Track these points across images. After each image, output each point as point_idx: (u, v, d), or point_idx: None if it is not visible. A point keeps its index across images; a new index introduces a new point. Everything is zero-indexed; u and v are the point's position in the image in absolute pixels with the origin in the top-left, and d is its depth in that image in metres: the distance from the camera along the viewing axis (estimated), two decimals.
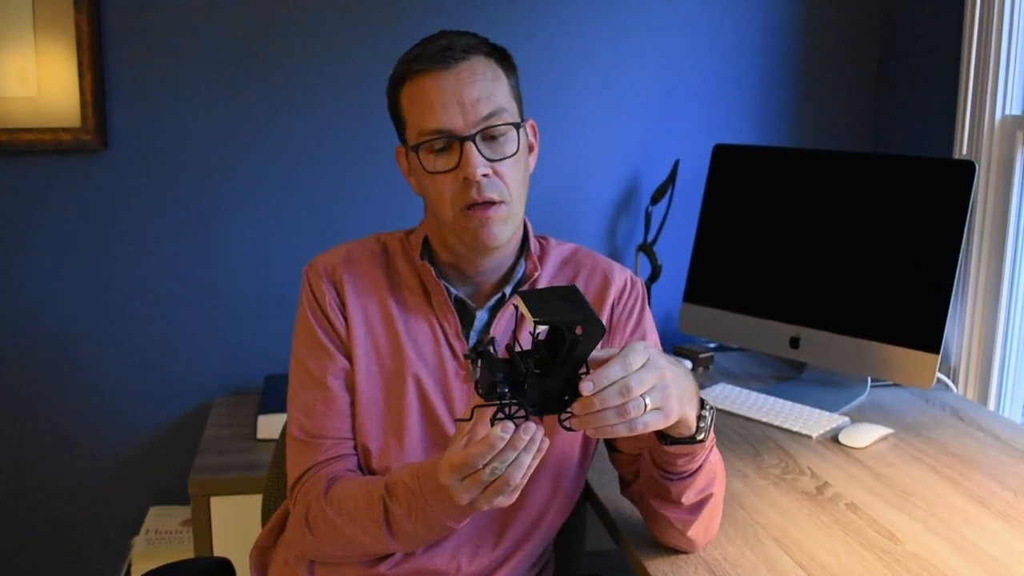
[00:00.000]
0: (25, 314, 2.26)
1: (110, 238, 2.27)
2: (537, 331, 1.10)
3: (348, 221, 2.33)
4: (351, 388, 1.41)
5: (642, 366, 1.13)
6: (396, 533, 1.30)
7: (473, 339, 1.42)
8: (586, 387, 1.10)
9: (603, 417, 1.11)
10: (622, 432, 1.13)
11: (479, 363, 1.14)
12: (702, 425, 1.25)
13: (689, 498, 1.32)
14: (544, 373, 1.13)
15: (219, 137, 2.27)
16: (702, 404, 1.26)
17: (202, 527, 1.95)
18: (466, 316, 1.43)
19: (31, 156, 2.20)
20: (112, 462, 2.35)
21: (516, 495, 1.17)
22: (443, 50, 1.33)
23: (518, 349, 1.15)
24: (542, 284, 1.45)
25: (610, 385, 1.10)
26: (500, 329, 1.42)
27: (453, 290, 1.42)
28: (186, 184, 2.27)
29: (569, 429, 1.14)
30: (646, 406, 1.13)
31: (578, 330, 1.09)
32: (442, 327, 1.42)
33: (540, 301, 1.10)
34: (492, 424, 1.12)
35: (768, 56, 2.46)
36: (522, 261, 1.45)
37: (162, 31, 2.21)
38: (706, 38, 2.43)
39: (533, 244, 1.47)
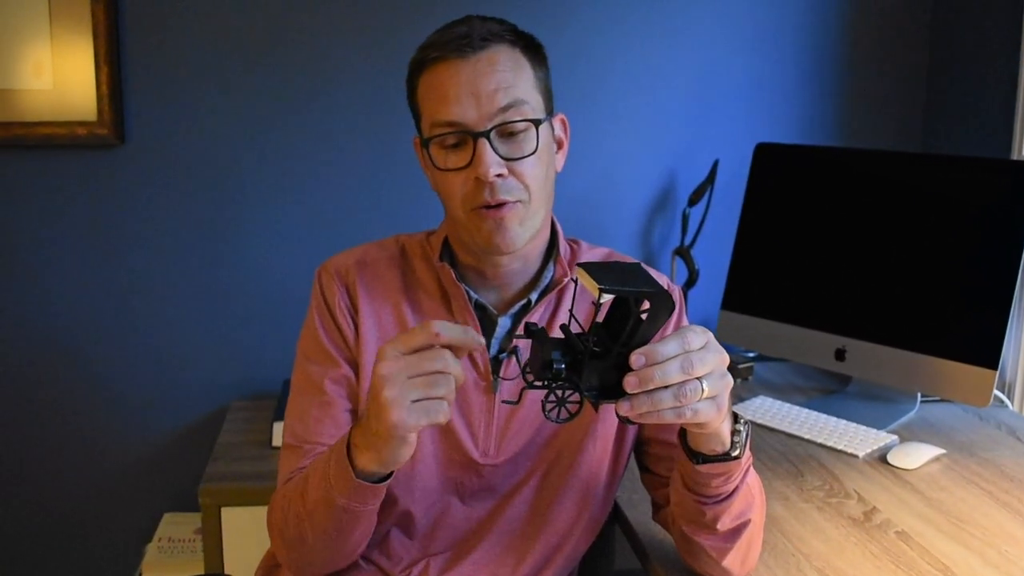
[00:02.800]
0: (38, 312, 2.21)
1: (125, 235, 2.20)
2: (602, 300, 0.98)
3: (370, 221, 2.25)
4: (353, 397, 1.32)
5: (703, 347, 1.02)
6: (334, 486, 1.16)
7: (495, 348, 1.32)
8: (637, 360, 0.99)
9: (658, 397, 1.00)
10: (668, 418, 1.02)
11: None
12: (736, 440, 1.14)
13: (725, 524, 1.21)
14: (604, 353, 1.01)
15: (238, 133, 2.20)
16: (735, 418, 1.15)
17: (212, 539, 1.88)
18: (487, 323, 1.33)
19: (46, 150, 2.14)
20: (127, 466, 2.29)
21: (444, 415, 1.04)
22: (461, 37, 1.22)
23: (575, 330, 1.03)
24: (570, 291, 1.34)
25: (670, 360, 0.99)
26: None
27: (473, 295, 1.32)
28: (204, 181, 2.20)
29: (625, 421, 1.03)
30: (703, 391, 1.01)
31: (645, 305, 0.98)
32: None
33: (606, 272, 0.99)
34: (544, 410, 1.02)
35: (812, 50, 2.34)
36: (550, 265, 1.34)
37: (180, 24, 2.14)
38: (747, 31, 2.31)
39: (563, 247, 1.37)
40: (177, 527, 2.20)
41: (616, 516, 1.55)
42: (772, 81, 2.34)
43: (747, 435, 1.16)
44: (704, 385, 1.02)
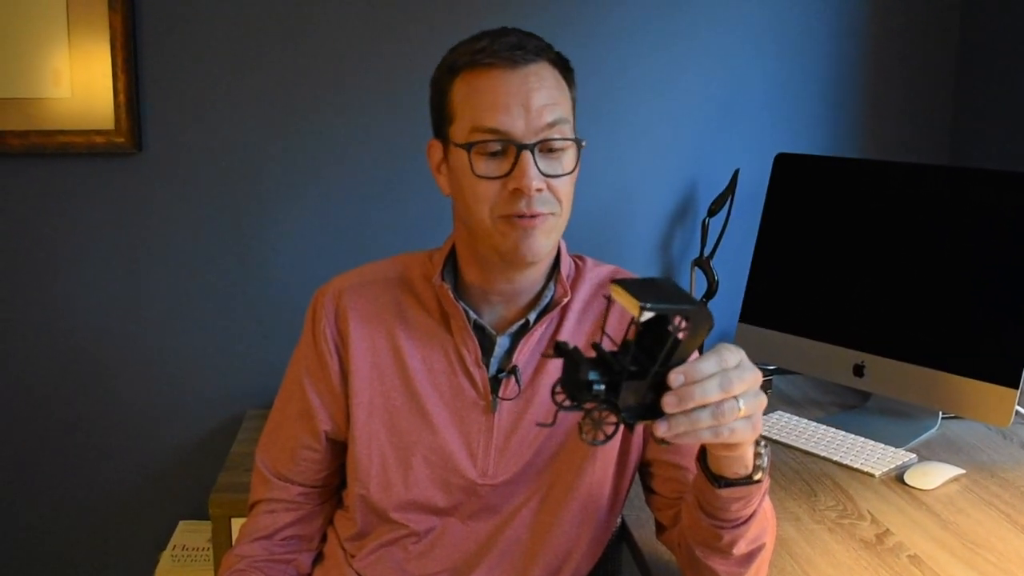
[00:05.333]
0: (54, 319, 2.22)
1: (142, 242, 2.21)
2: (642, 319, 0.94)
3: (389, 228, 2.24)
4: (315, 433, 1.36)
5: (738, 365, 0.99)
6: None
7: (494, 366, 1.31)
8: (676, 379, 0.95)
9: (696, 417, 0.96)
10: (705, 438, 0.99)
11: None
12: (758, 463, 1.11)
13: (740, 548, 1.17)
14: (641, 372, 0.97)
15: (255, 141, 2.19)
16: (756, 441, 1.11)
17: (222, 549, 1.87)
18: (486, 342, 1.31)
19: (64, 158, 2.15)
20: (143, 473, 2.30)
21: None
22: (513, 48, 1.22)
23: (608, 348, 1.00)
24: (575, 310, 1.33)
25: (709, 378, 0.96)
26: (523, 357, 1.30)
27: (472, 314, 1.31)
28: (220, 189, 2.20)
29: (661, 442, 0.99)
30: (740, 410, 0.98)
31: (685, 323, 0.95)
32: (459, 354, 1.31)
33: (643, 289, 0.96)
34: (581, 432, 0.98)
35: (836, 58, 2.30)
36: (551, 285, 1.32)
37: (197, 33, 2.14)
38: (769, 38, 2.28)
39: (566, 266, 1.35)
40: (192, 535, 2.20)
41: (623, 535, 1.53)
42: (794, 89, 2.31)
43: (768, 458, 1.12)
44: (741, 403, 0.98)
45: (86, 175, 2.17)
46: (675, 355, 0.97)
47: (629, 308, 0.95)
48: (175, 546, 2.16)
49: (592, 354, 1.00)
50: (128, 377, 2.26)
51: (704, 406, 0.96)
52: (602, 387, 0.97)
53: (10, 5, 2.07)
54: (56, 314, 2.22)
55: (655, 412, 0.98)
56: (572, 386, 0.98)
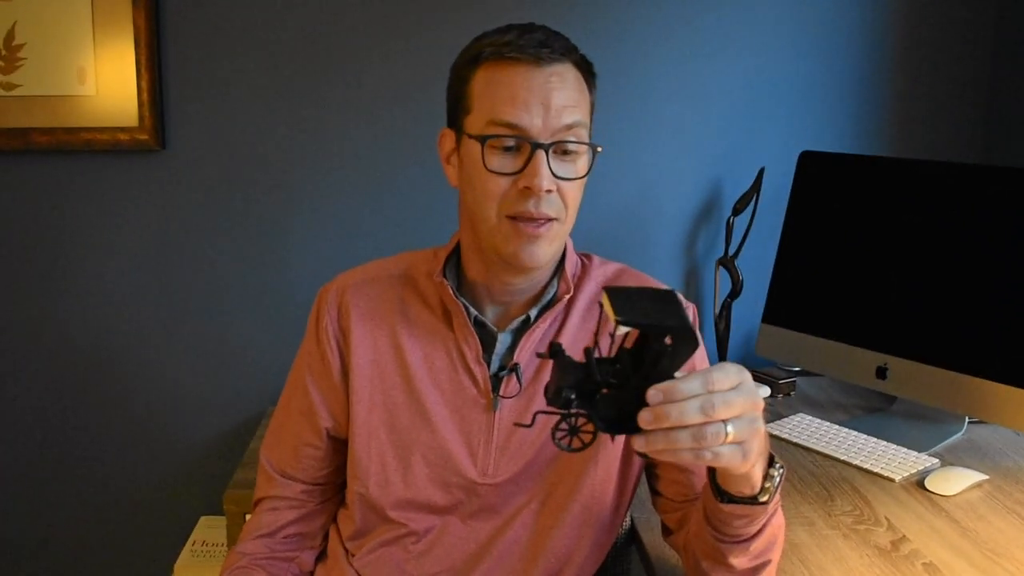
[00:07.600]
0: (79, 315, 2.24)
1: (164, 239, 2.22)
2: (619, 331, 0.92)
3: (413, 225, 2.24)
4: (317, 431, 1.36)
5: (732, 388, 0.94)
6: None
7: (495, 364, 1.30)
8: (654, 396, 0.91)
9: (674, 437, 0.92)
10: (687, 460, 0.94)
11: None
12: (767, 485, 1.06)
13: (742, 563, 1.15)
14: (622, 385, 0.95)
15: (278, 138, 2.20)
16: (772, 461, 1.07)
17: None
18: (487, 339, 1.30)
19: (88, 155, 2.18)
20: (166, 468, 2.32)
21: None
22: (539, 45, 1.20)
23: (598, 355, 0.97)
24: (579, 308, 1.31)
25: (689, 399, 0.91)
26: (525, 354, 1.29)
27: (473, 311, 1.29)
28: (244, 186, 2.21)
29: (643, 456, 0.97)
30: (727, 435, 0.93)
31: (668, 340, 0.92)
32: (460, 350, 1.29)
33: (629, 300, 0.93)
34: (553, 436, 0.96)
35: (863, 54, 2.25)
36: (554, 282, 1.31)
37: (219, 31, 2.15)
38: (794, 35, 2.24)
39: (571, 264, 1.33)
40: (212, 531, 2.21)
41: (632, 537, 1.51)
42: (820, 86, 2.27)
43: (780, 480, 1.08)
44: (728, 429, 0.93)
45: (110, 172, 2.19)
46: (656, 371, 0.93)
47: (610, 319, 0.92)
48: (195, 541, 2.17)
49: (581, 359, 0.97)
50: (150, 373, 2.27)
51: (685, 427, 0.92)
52: (572, 394, 0.94)
53: (36, 4, 2.10)
54: (79, 310, 2.24)
55: (636, 425, 0.94)
56: (551, 391, 0.96)
